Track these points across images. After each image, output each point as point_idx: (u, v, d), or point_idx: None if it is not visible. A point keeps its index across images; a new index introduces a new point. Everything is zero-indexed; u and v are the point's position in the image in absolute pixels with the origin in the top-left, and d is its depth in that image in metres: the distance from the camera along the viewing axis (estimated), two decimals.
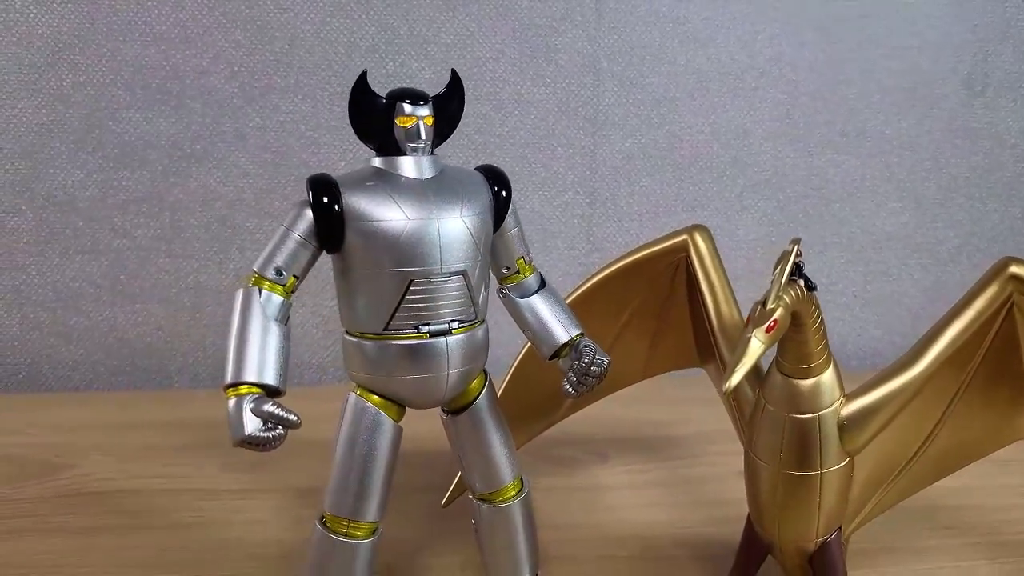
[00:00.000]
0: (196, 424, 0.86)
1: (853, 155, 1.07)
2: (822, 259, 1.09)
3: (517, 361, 0.67)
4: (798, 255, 0.44)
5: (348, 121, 0.48)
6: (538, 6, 0.99)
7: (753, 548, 0.55)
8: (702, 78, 1.04)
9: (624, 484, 0.77)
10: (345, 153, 0.98)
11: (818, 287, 0.46)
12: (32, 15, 0.94)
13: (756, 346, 0.42)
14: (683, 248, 0.60)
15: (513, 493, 0.54)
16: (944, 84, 1.08)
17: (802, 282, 0.45)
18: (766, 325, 0.42)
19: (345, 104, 0.47)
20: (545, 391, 0.66)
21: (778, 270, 0.43)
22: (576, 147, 1.04)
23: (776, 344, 0.46)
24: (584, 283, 0.64)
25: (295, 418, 0.43)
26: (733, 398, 0.55)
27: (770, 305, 0.42)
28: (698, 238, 0.60)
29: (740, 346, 0.42)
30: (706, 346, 0.62)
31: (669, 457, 0.82)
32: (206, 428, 0.83)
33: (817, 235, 1.07)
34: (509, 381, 0.66)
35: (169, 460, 0.80)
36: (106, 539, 0.66)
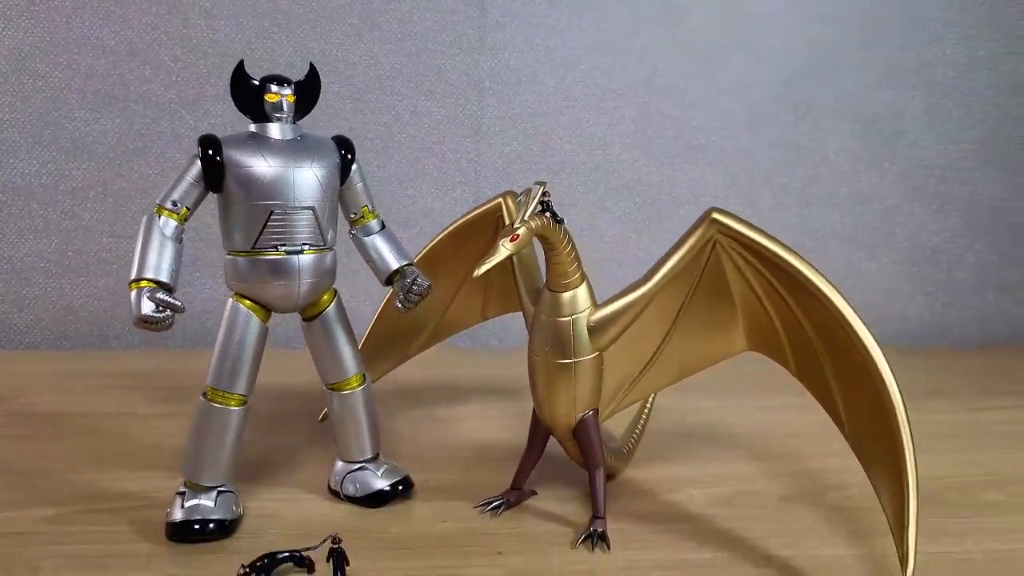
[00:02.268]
0: (133, 373, 1.03)
1: (699, 165, 1.27)
2: None
3: (379, 310, 0.84)
4: (544, 195, 0.62)
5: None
6: (431, 33, 1.19)
7: (537, 432, 0.72)
8: (569, 97, 1.23)
9: (475, 416, 0.94)
10: None
11: (564, 220, 0.63)
12: None
13: (502, 250, 0.58)
14: (498, 209, 0.77)
15: (356, 384, 0.71)
16: (775, 108, 1.28)
17: (548, 215, 0.62)
18: (510, 236, 0.59)
19: None
20: (399, 331, 0.84)
21: (523, 199, 0.61)
22: (463, 152, 1.22)
23: (544, 266, 0.63)
24: (426, 245, 0.80)
25: (180, 304, 0.60)
26: (527, 321, 0.71)
27: (516, 224, 0.60)
28: (509, 201, 0.76)
29: (492, 250, 0.59)
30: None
31: (516, 399, 0.99)
32: (141, 375, 1.00)
33: (669, 233, 1.25)
34: (373, 325, 0.84)
35: (108, 396, 0.96)
36: (49, 443, 0.82)
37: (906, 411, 0.57)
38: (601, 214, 1.26)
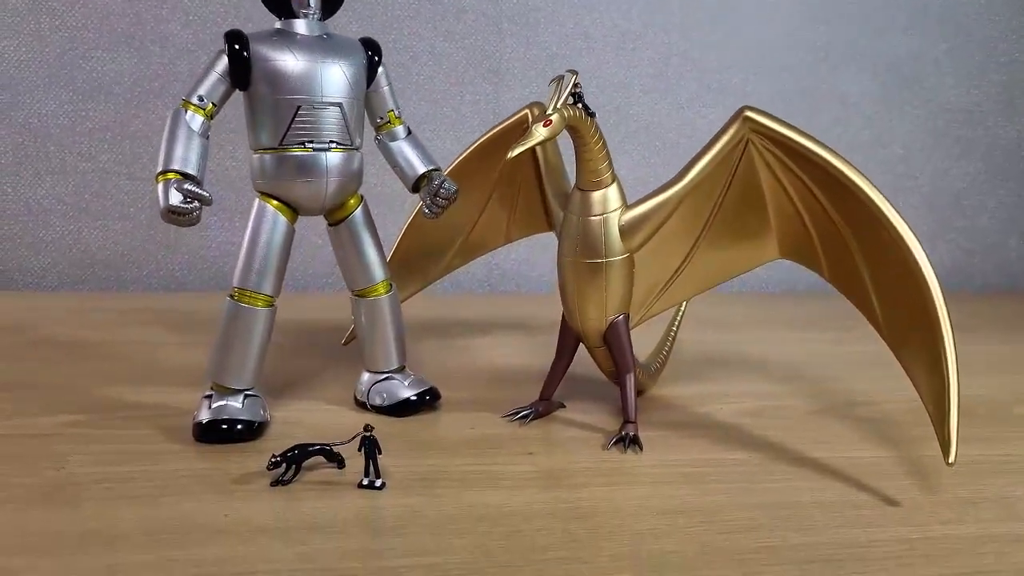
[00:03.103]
0: (151, 310, 1.02)
1: (718, 108, 1.26)
2: None
3: (405, 225, 0.83)
4: (576, 85, 0.61)
5: None
6: None
7: (566, 340, 0.71)
8: (588, 39, 1.22)
9: (495, 345, 0.94)
10: None
11: (596, 114, 0.63)
12: None
13: (537, 134, 0.58)
14: (524, 120, 0.75)
15: (383, 291, 0.70)
16: (795, 51, 1.27)
17: (580, 106, 0.61)
18: (543, 121, 0.58)
19: None
20: (425, 248, 0.83)
21: (554, 87, 0.60)
22: (481, 94, 1.22)
23: (576, 165, 0.62)
24: (452, 161, 0.79)
25: (208, 194, 0.59)
26: (556, 227, 0.70)
27: (549, 111, 0.59)
28: (536, 111, 0.75)
29: (526, 134, 0.58)
30: (549, 211, 0.77)
31: (536, 334, 0.99)
32: (159, 312, 1.00)
33: None
34: (399, 241, 0.83)
35: (127, 329, 0.96)
36: (69, 365, 0.82)
37: (944, 300, 0.56)
38: (620, 157, 1.23)
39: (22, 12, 1.11)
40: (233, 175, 1.12)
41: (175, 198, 0.58)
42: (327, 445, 0.58)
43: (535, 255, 1.22)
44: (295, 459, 0.57)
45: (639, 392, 0.74)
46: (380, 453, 0.57)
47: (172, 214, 0.59)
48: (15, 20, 1.11)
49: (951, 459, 0.54)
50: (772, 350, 0.95)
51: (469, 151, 0.79)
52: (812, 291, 1.18)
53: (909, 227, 0.58)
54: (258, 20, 1.12)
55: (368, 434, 0.56)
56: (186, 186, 0.59)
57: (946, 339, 0.56)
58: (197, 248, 1.19)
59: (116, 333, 0.94)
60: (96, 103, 1.14)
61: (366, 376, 0.72)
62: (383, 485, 0.56)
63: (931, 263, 0.57)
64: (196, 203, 0.59)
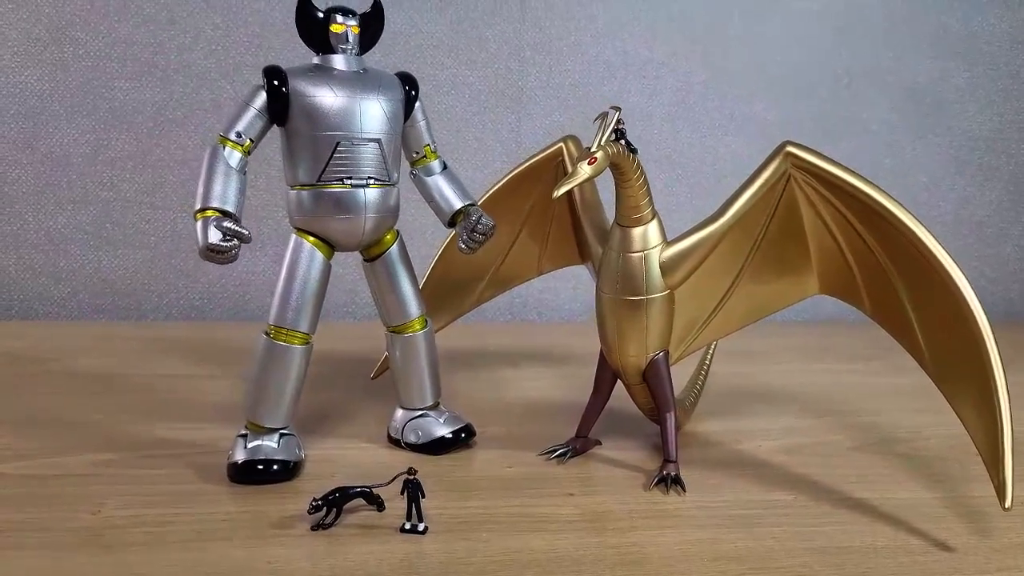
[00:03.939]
0: (173, 339, 1.01)
1: (740, 136, 1.26)
2: None
3: (436, 257, 0.82)
4: (619, 122, 0.61)
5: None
6: (471, 2, 1.18)
7: (604, 376, 0.70)
8: (610, 67, 1.22)
9: (525, 378, 0.93)
10: None
11: (639, 150, 0.62)
12: None
13: (582, 171, 0.57)
14: (559, 154, 0.75)
15: (419, 327, 0.69)
16: (817, 78, 1.27)
17: (623, 142, 0.61)
18: (588, 159, 0.58)
19: None
20: (456, 281, 0.82)
21: (599, 124, 0.59)
22: (503, 123, 1.21)
23: (615, 201, 0.62)
24: (485, 192, 0.79)
25: (247, 232, 0.59)
26: (594, 263, 0.69)
27: (593, 149, 0.58)
28: (571, 145, 0.75)
29: (571, 172, 0.58)
30: (583, 244, 0.76)
31: (562, 365, 0.98)
32: (181, 342, 0.98)
33: (710, 205, 1.24)
34: (430, 273, 0.82)
35: (151, 359, 0.95)
36: (95, 399, 0.81)
37: (993, 333, 0.55)
38: None
39: (45, 42, 1.11)
40: (255, 203, 1.11)
41: (214, 236, 0.58)
42: (367, 487, 0.57)
43: (557, 284, 1.21)
44: (336, 503, 0.56)
45: (676, 428, 0.74)
46: (423, 496, 0.56)
47: (211, 252, 0.58)
48: (38, 50, 1.11)
49: (1007, 504, 0.53)
50: (802, 381, 0.94)
51: (501, 184, 0.79)
52: (832, 320, 1.18)
53: (956, 264, 0.57)
54: (279, 49, 1.13)
55: (412, 477, 0.55)
56: (225, 224, 0.58)
57: (997, 378, 0.55)
58: (216, 277, 1.18)
59: (141, 365, 0.93)
60: (118, 132, 1.14)
61: (400, 413, 0.71)
62: (426, 529, 0.55)
63: (979, 300, 0.56)
64: (235, 241, 0.58)
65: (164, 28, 1.13)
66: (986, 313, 0.56)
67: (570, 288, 1.24)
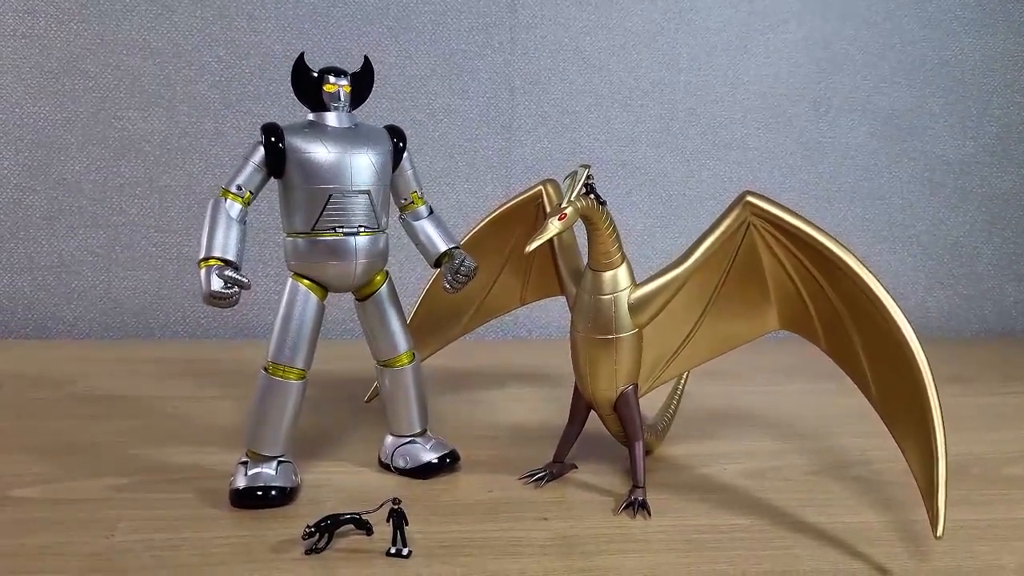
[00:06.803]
0: (179, 360, 1.07)
1: (722, 162, 1.31)
2: None
3: (423, 292, 0.88)
4: (589, 177, 0.66)
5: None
6: (464, 35, 1.23)
7: (578, 406, 0.75)
8: (597, 96, 1.27)
9: (510, 399, 0.98)
10: None
11: (607, 203, 0.67)
12: (52, 31, 1.16)
13: (551, 227, 0.62)
14: (539, 196, 0.80)
15: (407, 361, 0.75)
16: (796, 106, 1.32)
17: (593, 196, 0.66)
18: (559, 215, 0.63)
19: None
20: (442, 313, 0.88)
21: (569, 182, 0.65)
22: (494, 150, 1.26)
23: (587, 247, 0.67)
24: (469, 231, 0.84)
25: (247, 280, 0.64)
26: (569, 301, 0.74)
27: (563, 204, 0.63)
28: (549, 188, 0.80)
29: (542, 228, 0.63)
30: (561, 280, 0.81)
31: (551, 386, 1.03)
32: (187, 363, 1.04)
33: (694, 228, 1.29)
34: (417, 307, 0.88)
35: (158, 381, 1.00)
36: (106, 422, 0.86)
37: (934, 379, 0.60)
38: (628, 209, 1.30)
39: (57, 74, 1.16)
40: (256, 227, 1.16)
41: (216, 284, 0.63)
42: (357, 514, 0.62)
43: (548, 301, 1.25)
44: (328, 528, 0.61)
45: (647, 452, 0.79)
46: (407, 524, 0.61)
47: (214, 298, 0.63)
48: (50, 82, 1.16)
49: (939, 533, 0.58)
50: (772, 402, 0.99)
51: (483, 224, 0.84)
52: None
53: (902, 311, 0.62)
54: (281, 81, 1.19)
55: (396, 507, 0.61)
56: (227, 272, 0.63)
57: (936, 422, 0.60)
58: None
59: (147, 386, 0.99)
60: (127, 160, 1.19)
61: (389, 439, 0.77)
62: (410, 554, 0.60)
63: (922, 347, 0.61)
64: (236, 288, 0.63)
65: (170, 61, 1.18)
66: (924, 343, 0.60)
67: (560, 305, 1.28)
